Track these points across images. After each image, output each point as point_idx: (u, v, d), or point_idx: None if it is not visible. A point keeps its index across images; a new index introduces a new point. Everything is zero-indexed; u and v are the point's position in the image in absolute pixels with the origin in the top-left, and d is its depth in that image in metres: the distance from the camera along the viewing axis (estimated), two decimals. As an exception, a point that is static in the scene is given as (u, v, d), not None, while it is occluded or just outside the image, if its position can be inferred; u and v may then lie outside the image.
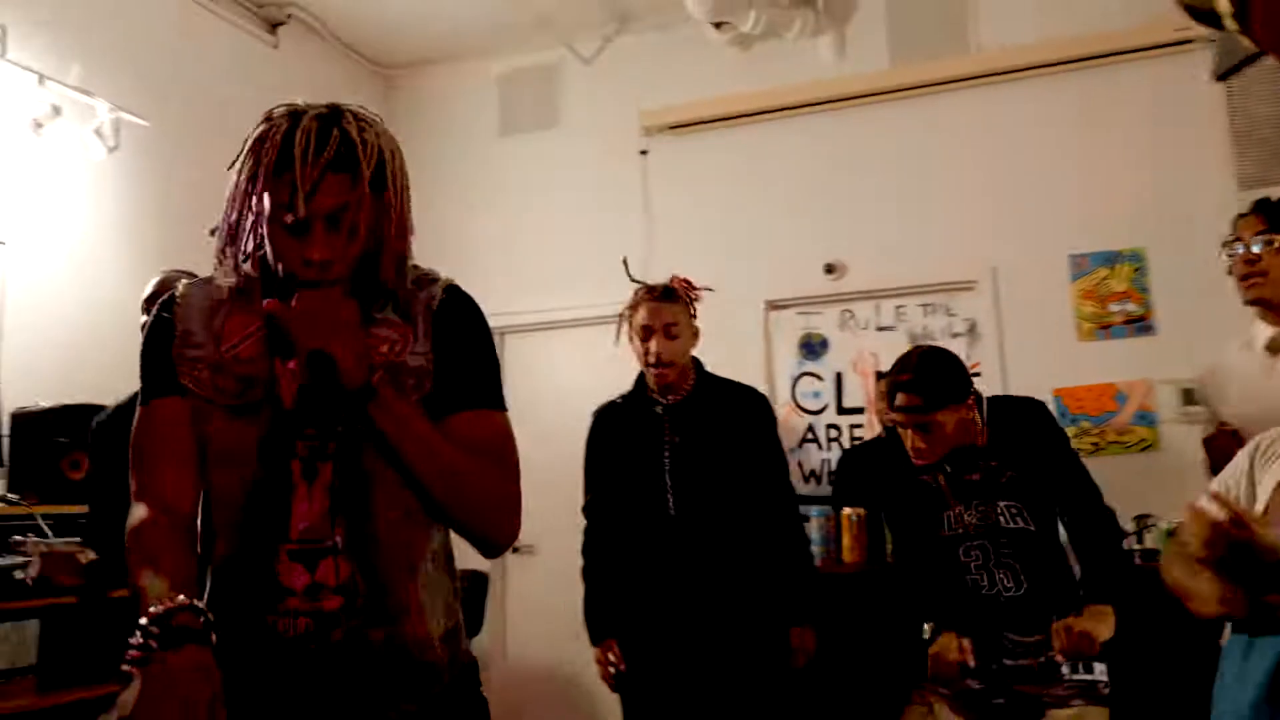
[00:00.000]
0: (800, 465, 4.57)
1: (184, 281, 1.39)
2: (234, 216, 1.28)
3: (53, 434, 3.16)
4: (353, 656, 1.25)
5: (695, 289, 2.83)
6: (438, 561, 1.34)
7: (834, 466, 4.37)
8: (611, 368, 3.92)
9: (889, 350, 4.47)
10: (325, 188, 1.21)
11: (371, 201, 1.25)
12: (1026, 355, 4.23)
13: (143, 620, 1.11)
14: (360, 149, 1.22)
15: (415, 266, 1.39)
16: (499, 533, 1.34)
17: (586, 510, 2.85)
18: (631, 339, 2.75)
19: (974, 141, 4.46)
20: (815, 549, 3.16)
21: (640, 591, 2.67)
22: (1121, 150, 4.23)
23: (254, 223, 1.27)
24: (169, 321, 1.32)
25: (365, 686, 1.26)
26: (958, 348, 4.36)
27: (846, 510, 3.01)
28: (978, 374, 4.30)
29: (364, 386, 1.22)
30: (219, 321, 1.31)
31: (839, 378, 4.59)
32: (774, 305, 4.72)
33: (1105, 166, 4.24)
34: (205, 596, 1.26)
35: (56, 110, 3.49)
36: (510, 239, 5.11)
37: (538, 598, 4.71)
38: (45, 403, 3.25)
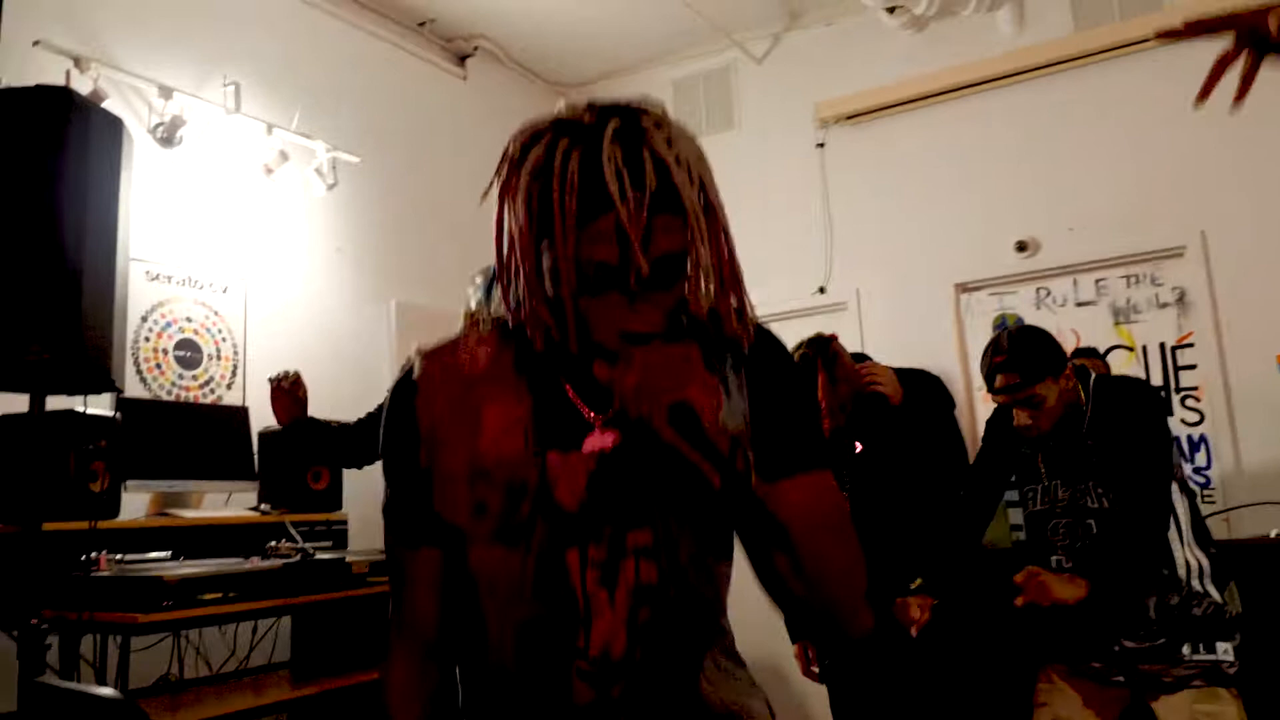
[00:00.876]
0: (1002, 450, 4.46)
1: (417, 359, 1.09)
2: (513, 271, 0.97)
3: (297, 451, 3.48)
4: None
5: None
6: (727, 653, 1.13)
7: (1038, 449, 4.25)
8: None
9: (1090, 326, 4.32)
10: (651, 234, 0.92)
11: (706, 233, 0.96)
12: (1246, 321, 3.98)
13: None
14: (680, 174, 0.93)
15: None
16: (857, 621, 1.07)
17: None
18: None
19: (1169, 101, 4.22)
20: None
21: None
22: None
23: (536, 281, 0.96)
24: (412, 423, 1.06)
25: None
26: (1167, 318, 4.16)
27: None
28: (1190, 344, 4.08)
29: (730, 454, 0.95)
30: (475, 408, 1.04)
31: (1038, 358, 4.45)
32: (964, 288, 4.63)
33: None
34: None
35: (284, 155, 3.87)
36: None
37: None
38: (287, 421, 3.58)
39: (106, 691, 1.86)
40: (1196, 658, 2.27)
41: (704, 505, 1.01)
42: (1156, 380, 4.12)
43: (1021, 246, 4.47)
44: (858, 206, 4.88)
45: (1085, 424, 2.41)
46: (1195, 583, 2.32)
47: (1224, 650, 2.25)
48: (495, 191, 0.98)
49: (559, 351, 1.00)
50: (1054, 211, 4.42)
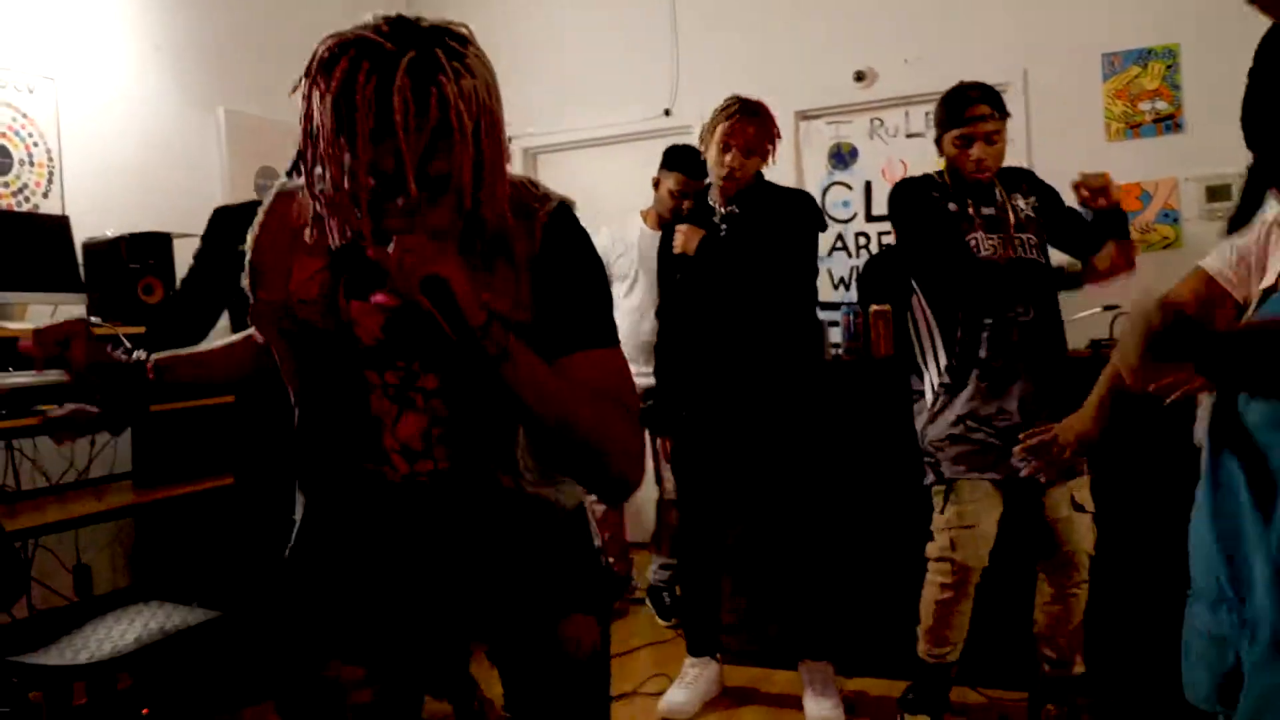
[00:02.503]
0: (830, 273, 4.72)
1: (267, 196, 1.30)
2: (318, 168, 1.10)
3: (126, 262, 3.36)
4: (453, 498, 1.26)
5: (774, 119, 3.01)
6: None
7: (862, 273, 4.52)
8: (639, 183, 4.07)
9: (919, 158, 4.53)
10: (428, 158, 1.06)
11: (472, 157, 1.09)
12: (1052, 156, 4.25)
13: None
14: (459, 109, 1.06)
15: (521, 187, 1.23)
16: (625, 481, 1.22)
17: (658, 315, 3.16)
18: (708, 148, 2.90)
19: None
20: (843, 344, 3.38)
21: (694, 364, 2.98)
22: (1160, -59, 4.13)
23: (334, 178, 1.08)
24: (239, 254, 1.29)
25: (468, 526, 1.27)
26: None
27: (874, 307, 3.18)
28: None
29: (485, 324, 1.08)
30: (292, 257, 1.23)
31: (868, 186, 4.68)
32: (804, 115, 4.76)
33: (1142, -41, 4.16)
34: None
35: (91, -60, 3.53)
36: (538, 58, 5.10)
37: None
38: (113, 232, 3.44)
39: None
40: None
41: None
42: (972, 210, 4.41)
43: (859, 76, 4.60)
44: (705, 30, 4.87)
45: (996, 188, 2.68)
46: None
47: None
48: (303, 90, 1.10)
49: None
50: (892, 43, 4.55)
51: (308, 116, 1.09)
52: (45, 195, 3.53)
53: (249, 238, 1.28)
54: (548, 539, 1.33)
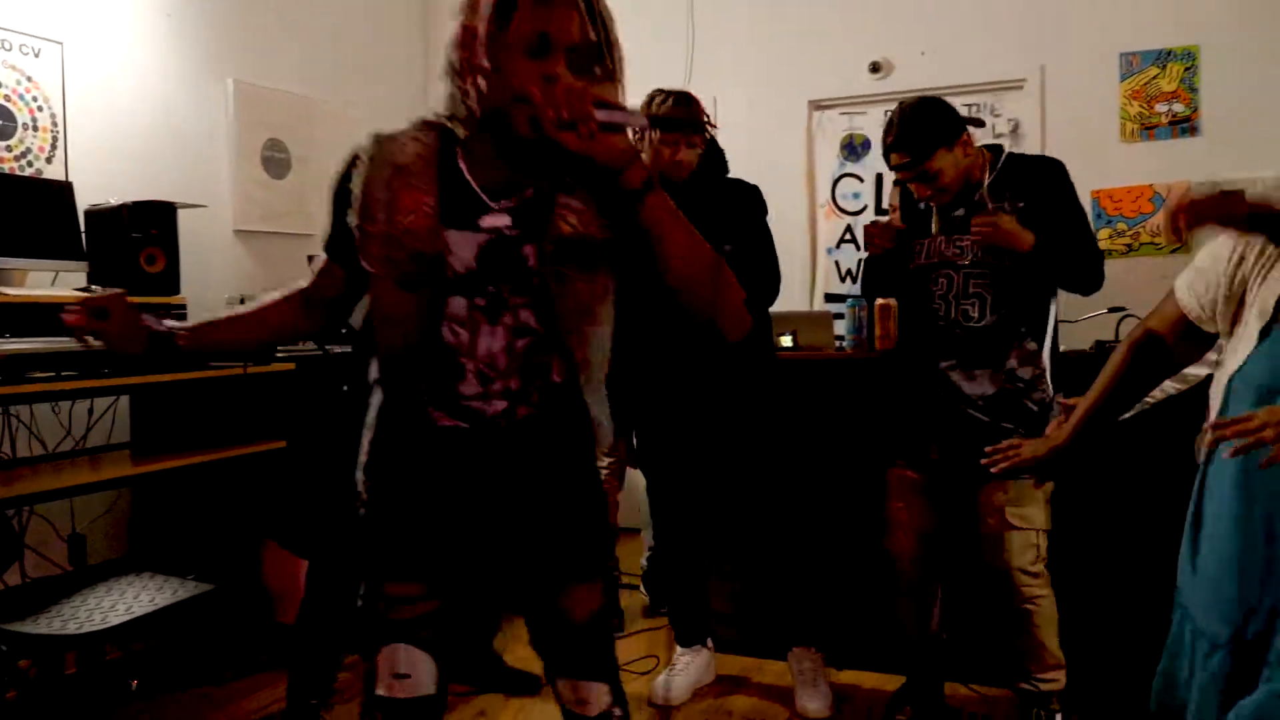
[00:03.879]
0: (838, 265, 4.69)
1: (369, 140, 1.41)
2: (479, 77, 1.28)
3: (129, 230, 3.33)
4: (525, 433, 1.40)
5: (705, 113, 2.87)
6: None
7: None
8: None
9: (930, 151, 4.50)
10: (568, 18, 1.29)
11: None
12: (1066, 156, 4.17)
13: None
14: None
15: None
16: (743, 322, 1.39)
17: None
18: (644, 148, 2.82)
19: (1030, -69, 4.30)
20: (849, 338, 3.35)
21: (646, 371, 2.89)
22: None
23: (482, 57, 1.27)
24: (347, 190, 1.39)
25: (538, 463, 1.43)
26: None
27: (880, 300, 3.16)
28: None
29: (644, 181, 1.25)
30: (395, 191, 1.35)
31: (879, 179, 4.64)
32: (818, 105, 4.72)
33: (1165, -42, 4.11)
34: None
35: (103, -96, 3.49)
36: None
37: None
38: (116, 200, 3.41)
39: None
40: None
41: (587, 255, 1.34)
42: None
43: (875, 67, 4.56)
44: (721, 16, 4.82)
45: (984, 186, 2.44)
46: (1043, 368, 2.46)
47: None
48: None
49: (486, 140, 1.33)
50: (909, 34, 4.50)
51: (465, 30, 1.28)
52: (49, 161, 3.51)
53: (357, 178, 1.38)
54: (588, 487, 1.49)
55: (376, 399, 1.43)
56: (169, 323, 1.51)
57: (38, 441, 3.28)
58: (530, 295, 1.35)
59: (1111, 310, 3.21)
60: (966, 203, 2.46)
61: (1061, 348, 2.97)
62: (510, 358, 1.36)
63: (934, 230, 2.50)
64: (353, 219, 1.37)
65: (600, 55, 1.30)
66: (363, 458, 1.45)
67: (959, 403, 2.49)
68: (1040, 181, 2.46)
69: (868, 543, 3.01)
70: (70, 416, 3.35)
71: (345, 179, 1.40)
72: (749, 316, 1.39)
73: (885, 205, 4.13)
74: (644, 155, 2.75)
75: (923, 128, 2.38)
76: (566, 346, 1.37)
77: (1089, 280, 2.43)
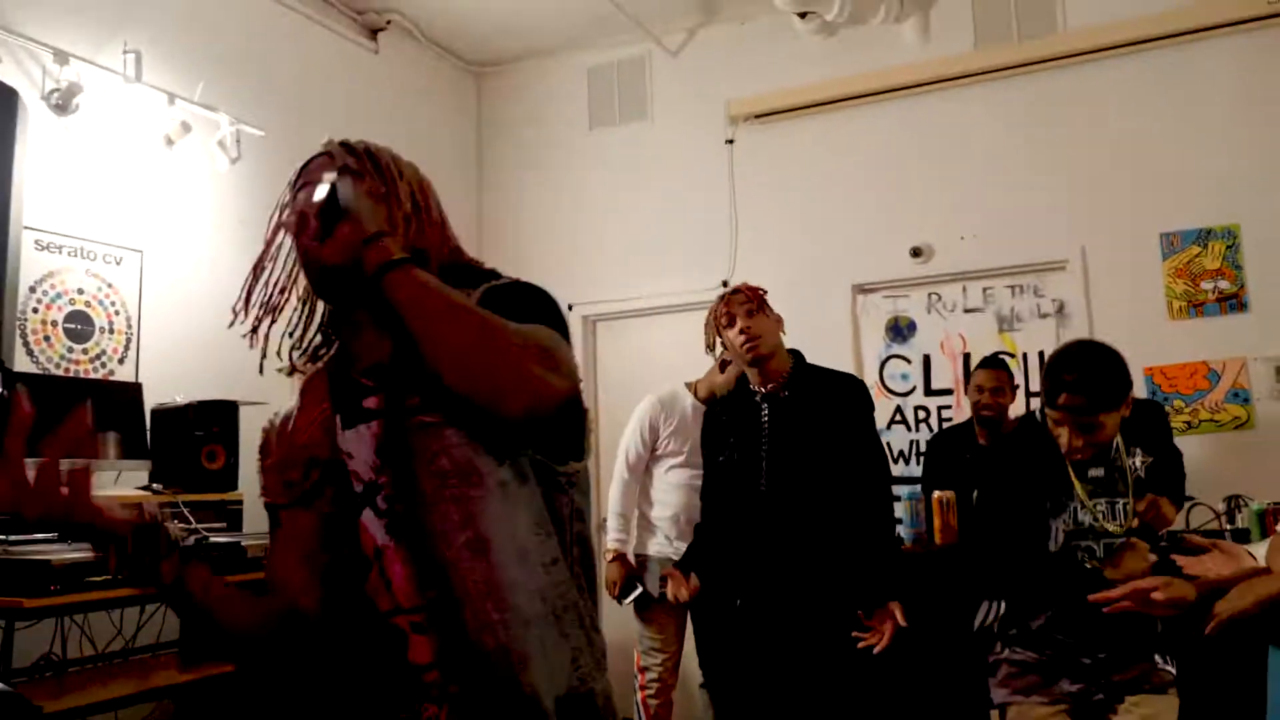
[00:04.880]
0: (889, 445, 4.65)
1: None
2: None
3: (192, 428, 3.42)
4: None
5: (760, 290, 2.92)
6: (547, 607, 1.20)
7: (923, 448, 4.45)
8: (696, 352, 4.05)
9: (976, 332, 4.53)
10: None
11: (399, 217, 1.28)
12: (1117, 335, 4.13)
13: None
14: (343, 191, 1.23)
15: (478, 267, 1.33)
16: (530, 393, 1.10)
17: (701, 495, 3.03)
18: (721, 335, 2.88)
19: (1061, 120, 4.45)
20: (905, 530, 3.27)
21: (736, 564, 2.83)
22: (1213, 126, 4.19)
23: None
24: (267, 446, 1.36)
25: None
26: (1047, 328, 4.40)
27: (937, 494, 3.09)
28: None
29: (373, 237, 1.15)
30: (290, 425, 1.32)
31: (927, 360, 4.66)
32: (861, 289, 4.80)
33: (1197, 142, 4.21)
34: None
35: (186, 126, 3.77)
36: (599, 229, 5.27)
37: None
38: (182, 398, 3.52)
39: (-7, 684, 1.83)
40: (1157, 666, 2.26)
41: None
42: (1034, 387, 4.35)
43: (916, 252, 4.65)
44: (764, 204, 5.00)
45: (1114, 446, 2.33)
46: None
47: (1160, 660, 2.29)
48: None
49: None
50: (949, 220, 4.61)
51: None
52: (121, 361, 3.65)
53: (262, 434, 1.37)
54: None
55: None
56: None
57: (89, 641, 3.27)
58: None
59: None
60: (1104, 462, 2.33)
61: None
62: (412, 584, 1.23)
63: (1077, 493, 2.34)
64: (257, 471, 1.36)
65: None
66: None
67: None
68: (1148, 426, 2.41)
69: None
70: (122, 617, 3.35)
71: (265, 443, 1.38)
72: (543, 385, 1.11)
73: (973, 398, 3.94)
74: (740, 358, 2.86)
75: (1108, 380, 2.21)
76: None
77: None
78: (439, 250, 1.30)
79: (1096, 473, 2.32)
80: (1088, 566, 2.29)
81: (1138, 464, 2.32)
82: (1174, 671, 2.30)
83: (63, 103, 3.31)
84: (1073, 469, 2.31)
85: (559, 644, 1.20)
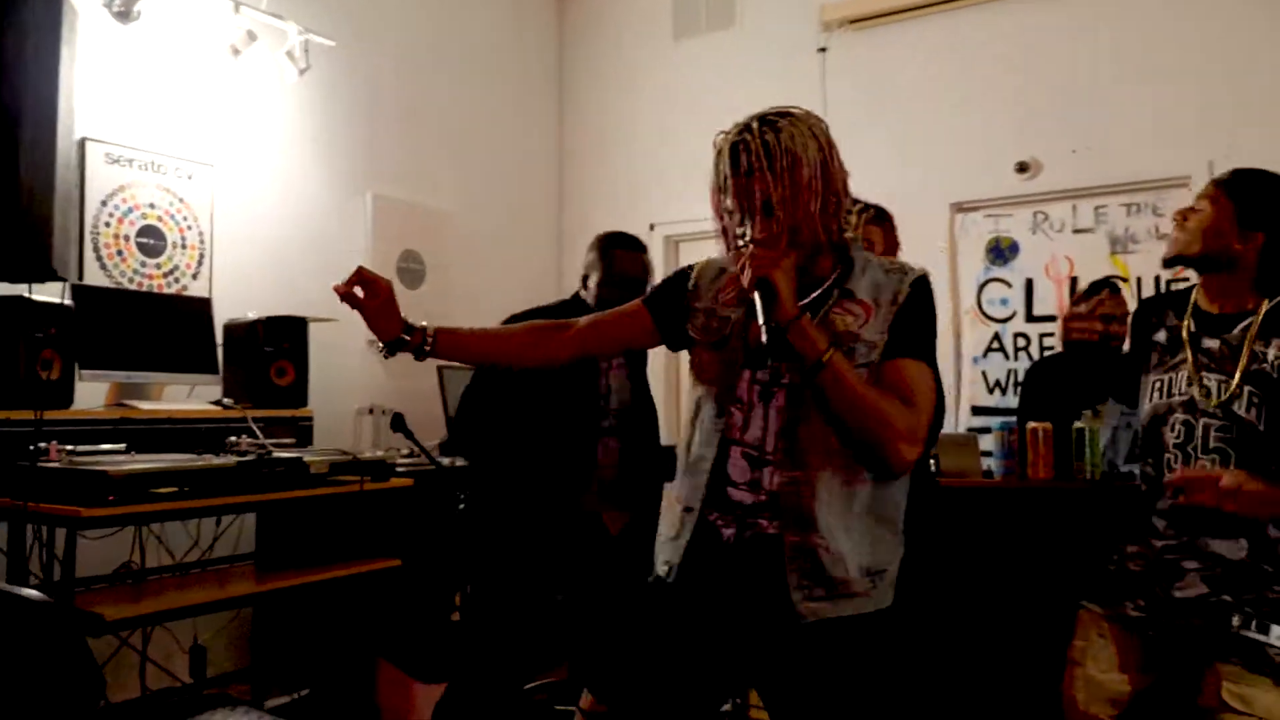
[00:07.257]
0: (985, 375, 4.39)
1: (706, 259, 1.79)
2: (719, 220, 1.68)
3: (262, 344, 3.40)
4: (767, 553, 1.57)
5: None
6: (865, 510, 1.59)
7: (1020, 377, 4.18)
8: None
9: (1086, 255, 4.20)
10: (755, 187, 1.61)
11: (789, 190, 1.59)
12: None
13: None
14: (770, 152, 1.62)
15: (893, 260, 1.73)
16: (894, 456, 1.55)
17: None
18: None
19: (1183, 23, 4.03)
20: (995, 463, 3.03)
21: None
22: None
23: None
24: (687, 275, 1.77)
25: (775, 581, 1.55)
26: (1163, 251, 4.03)
27: (1032, 424, 2.86)
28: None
29: (794, 318, 1.51)
30: (719, 284, 1.72)
31: (1029, 284, 4.35)
32: (960, 207, 4.49)
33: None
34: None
35: (252, 36, 3.67)
36: (682, 146, 5.04)
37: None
38: (254, 314, 3.50)
39: (33, 594, 1.82)
40: (1246, 634, 1.90)
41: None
42: (1147, 313, 4.01)
43: (1022, 167, 4.32)
44: (857, 116, 4.68)
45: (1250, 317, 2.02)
46: None
47: (1277, 635, 1.89)
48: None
49: None
50: (1059, 132, 4.26)
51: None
52: (194, 277, 3.64)
53: (693, 272, 1.78)
54: None
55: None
56: (425, 323, 1.74)
57: (166, 551, 3.31)
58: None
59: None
60: (1220, 327, 2.07)
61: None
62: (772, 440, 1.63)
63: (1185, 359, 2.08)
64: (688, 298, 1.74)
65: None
66: None
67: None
68: None
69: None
70: (199, 529, 3.38)
71: (683, 274, 1.78)
72: (902, 462, 1.56)
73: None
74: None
75: (1253, 187, 2.09)
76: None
77: None
78: (836, 235, 1.67)
79: (1211, 343, 2.05)
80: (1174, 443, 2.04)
81: (1271, 355, 1.97)
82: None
83: (124, 9, 3.24)
84: (1189, 341, 2.08)
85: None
